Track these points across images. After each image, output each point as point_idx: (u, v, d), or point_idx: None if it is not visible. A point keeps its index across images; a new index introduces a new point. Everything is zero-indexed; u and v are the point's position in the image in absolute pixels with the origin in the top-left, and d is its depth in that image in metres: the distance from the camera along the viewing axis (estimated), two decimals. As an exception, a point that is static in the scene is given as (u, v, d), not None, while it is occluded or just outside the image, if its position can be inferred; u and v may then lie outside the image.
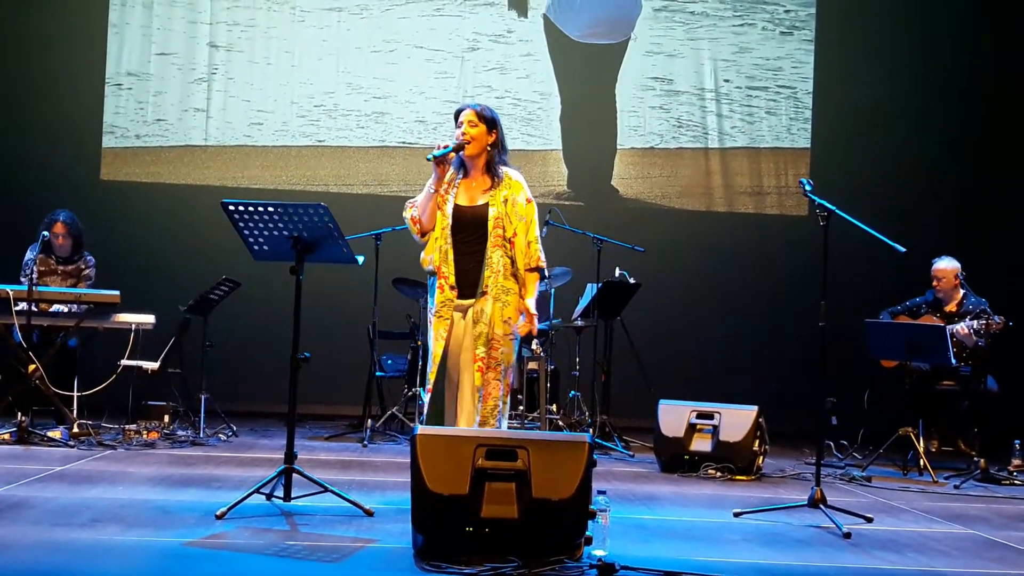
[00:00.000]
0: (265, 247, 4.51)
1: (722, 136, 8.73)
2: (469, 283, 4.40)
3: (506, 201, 4.42)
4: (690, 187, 8.77)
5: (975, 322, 6.46)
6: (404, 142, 8.61)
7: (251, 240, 4.50)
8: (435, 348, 4.40)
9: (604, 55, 8.71)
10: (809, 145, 8.76)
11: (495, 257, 4.40)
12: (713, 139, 8.72)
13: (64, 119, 8.38)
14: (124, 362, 6.38)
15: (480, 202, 4.43)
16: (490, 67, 8.65)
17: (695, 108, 8.72)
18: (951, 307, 6.79)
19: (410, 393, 7.03)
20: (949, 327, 6.37)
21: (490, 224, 4.39)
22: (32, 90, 8.36)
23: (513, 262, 4.43)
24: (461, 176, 4.50)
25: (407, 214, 4.48)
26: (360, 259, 4.75)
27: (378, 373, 7.25)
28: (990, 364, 6.57)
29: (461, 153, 4.44)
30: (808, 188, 4.70)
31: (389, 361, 7.52)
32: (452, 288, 4.39)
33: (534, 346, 6.82)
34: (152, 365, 6.49)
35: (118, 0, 8.48)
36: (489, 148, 4.46)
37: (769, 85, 8.76)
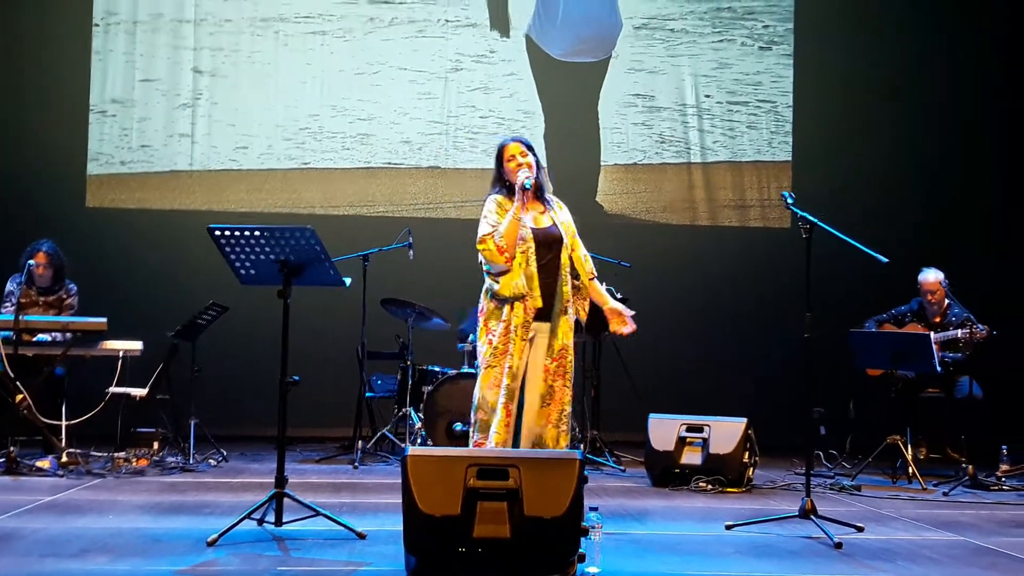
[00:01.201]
0: (252, 271, 4.52)
1: (704, 151, 8.78)
2: (548, 302, 4.63)
3: (563, 222, 4.74)
4: (674, 202, 8.82)
5: (959, 331, 6.50)
6: (389, 163, 8.64)
7: (238, 265, 4.51)
8: (516, 364, 4.55)
9: (586, 73, 8.77)
10: (790, 157, 8.82)
11: (565, 274, 4.68)
12: (696, 154, 8.77)
13: (48, 148, 8.37)
14: (112, 389, 6.36)
15: (546, 224, 4.70)
16: (474, 87, 8.69)
17: (677, 124, 8.77)
18: (936, 317, 6.84)
19: (400, 413, 7.03)
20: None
21: (564, 243, 4.68)
22: (15, 120, 8.36)
23: (574, 276, 4.72)
24: (516, 202, 4.67)
25: (489, 246, 4.59)
26: (347, 281, 4.76)
27: (368, 394, 7.25)
28: (973, 370, 6.62)
29: (513, 183, 4.66)
30: (790, 201, 4.75)
31: (379, 381, 7.52)
32: (535, 309, 4.58)
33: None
34: (140, 392, 6.46)
35: (101, 27, 8.49)
36: (536, 176, 4.73)
37: (749, 100, 8.83)
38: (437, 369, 7.11)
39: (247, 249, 4.42)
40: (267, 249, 4.40)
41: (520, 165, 4.66)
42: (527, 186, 4.59)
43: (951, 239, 8.51)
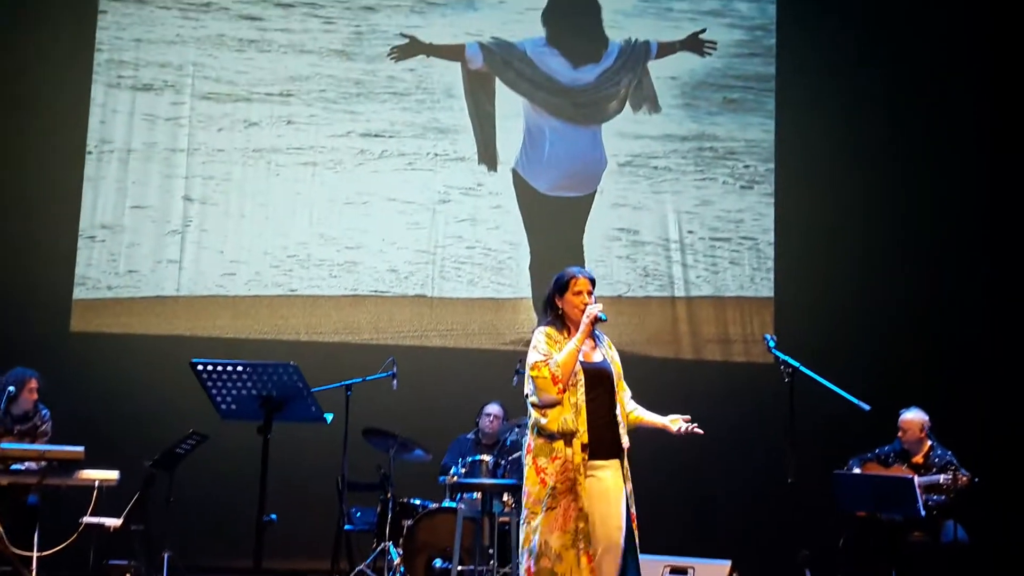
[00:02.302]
0: (233, 406, 4.53)
1: (688, 285, 8.86)
2: (601, 442, 4.49)
3: (612, 359, 4.66)
4: (658, 335, 8.85)
5: (942, 476, 6.46)
6: (376, 291, 8.70)
7: (219, 399, 4.52)
8: (587, 505, 4.40)
9: (572, 207, 8.91)
10: (772, 294, 8.88)
11: (621, 414, 4.60)
12: (679, 288, 8.85)
13: (35, 272, 8.37)
14: (86, 519, 6.27)
15: (598, 359, 4.61)
16: (461, 218, 8.81)
17: (661, 258, 8.88)
18: (918, 458, 6.80)
19: (379, 548, 6.89)
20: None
21: (615, 380, 4.60)
22: (4, 244, 8.39)
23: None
24: (566, 336, 4.60)
25: (543, 373, 4.47)
26: (329, 417, 4.74)
27: (346, 526, 7.12)
28: (959, 514, 6.55)
29: (572, 318, 4.62)
30: (772, 344, 4.78)
31: (358, 514, 7.40)
32: (585, 447, 4.44)
33: (505, 498, 6.76)
34: (115, 522, 6.38)
35: (94, 154, 8.63)
36: None
37: (732, 236, 8.95)
38: (418, 502, 7.01)
39: (229, 384, 4.44)
40: (249, 384, 4.42)
41: (587, 303, 4.59)
42: (603, 318, 4.53)
43: (936, 377, 8.47)
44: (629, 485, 4.52)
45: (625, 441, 4.58)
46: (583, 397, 4.47)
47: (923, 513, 6.23)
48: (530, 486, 4.47)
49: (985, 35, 9.03)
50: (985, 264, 8.89)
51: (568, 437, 4.43)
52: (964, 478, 6.37)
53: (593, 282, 4.68)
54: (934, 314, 8.86)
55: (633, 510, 4.52)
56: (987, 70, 9.02)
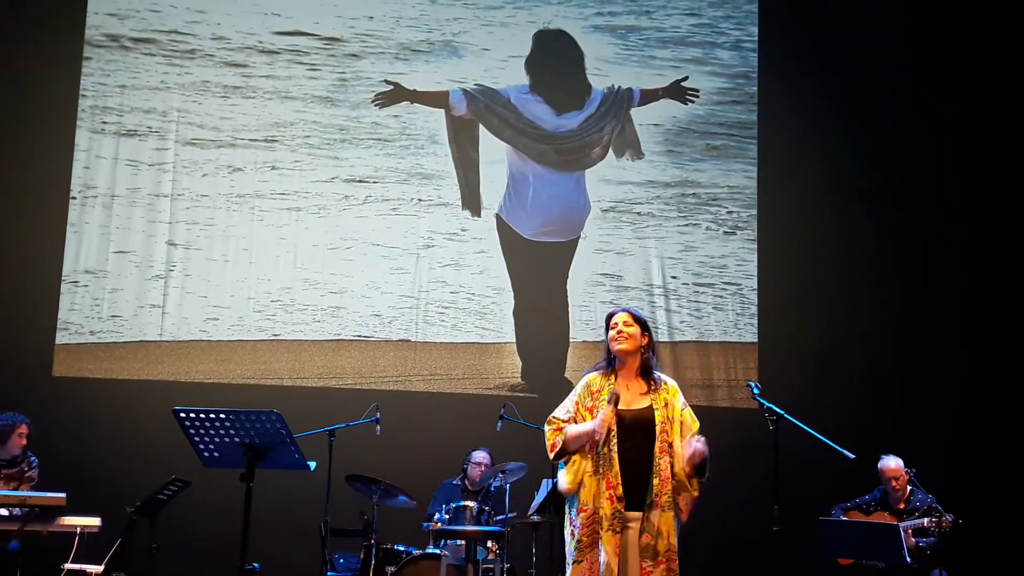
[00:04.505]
0: (216, 454, 4.50)
1: (672, 330, 8.90)
2: (637, 493, 4.30)
3: (666, 405, 4.43)
4: (642, 379, 8.85)
5: (926, 519, 6.47)
6: (359, 335, 8.69)
7: (201, 447, 4.50)
8: (611, 560, 4.21)
9: (555, 252, 8.96)
10: (756, 339, 8.93)
11: (663, 464, 4.34)
12: (663, 333, 8.87)
13: (17, 316, 8.37)
14: (67, 566, 6.19)
15: (640, 405, 4.40)
16: (445, 263, 8.84)
17: (644, 303, 8.90)
18: (901, 504, 6.82)
19: (362, 596, 6.83)
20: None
21: (657, 429, 4.35)
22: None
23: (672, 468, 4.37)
24: (611, 382, 4.46)
25: (547, 433, 4.42)
26: (312, 465, 4.72)
27: (329, 573, 7.05)
28: (947, 562, 6.53)
29: (614, 354, 4.46)
30: (756, 392, 4.77)
31: (341, 560, 7.35)
32: (620, 499, 4.26)
33: (489, 544, 6.72)
34: (96, 569, 6.30)
35: (78, 200, 8.64)
36: (643, 350, 4.48)
37: (715, 282, 9.01)
38: (401, 548, 6.97)
39: (212, 432, 4.41)
40: (232, 432, 4.39)
41: (620, 334, 4.44)
42: (609, 398, 4.32)
43: (920, 422, 8.48)
44: (647, 538, 4.24)
45: (664, 495, 4.31)
46: (616, 449, 4.31)
47: (909, 560, 6.22)
48: (565, 535, 4.39)
49: (960, 79, 9.16)
50: (968, 306, 8.93)
51: (591, 488, 4.29)
52: (948, 521, 6.38)
53: (635, 316, 4.51)
54: (919, 359, 8.89)
55: (646, 564, 4.24)
56: (964, 111, 9.12)
